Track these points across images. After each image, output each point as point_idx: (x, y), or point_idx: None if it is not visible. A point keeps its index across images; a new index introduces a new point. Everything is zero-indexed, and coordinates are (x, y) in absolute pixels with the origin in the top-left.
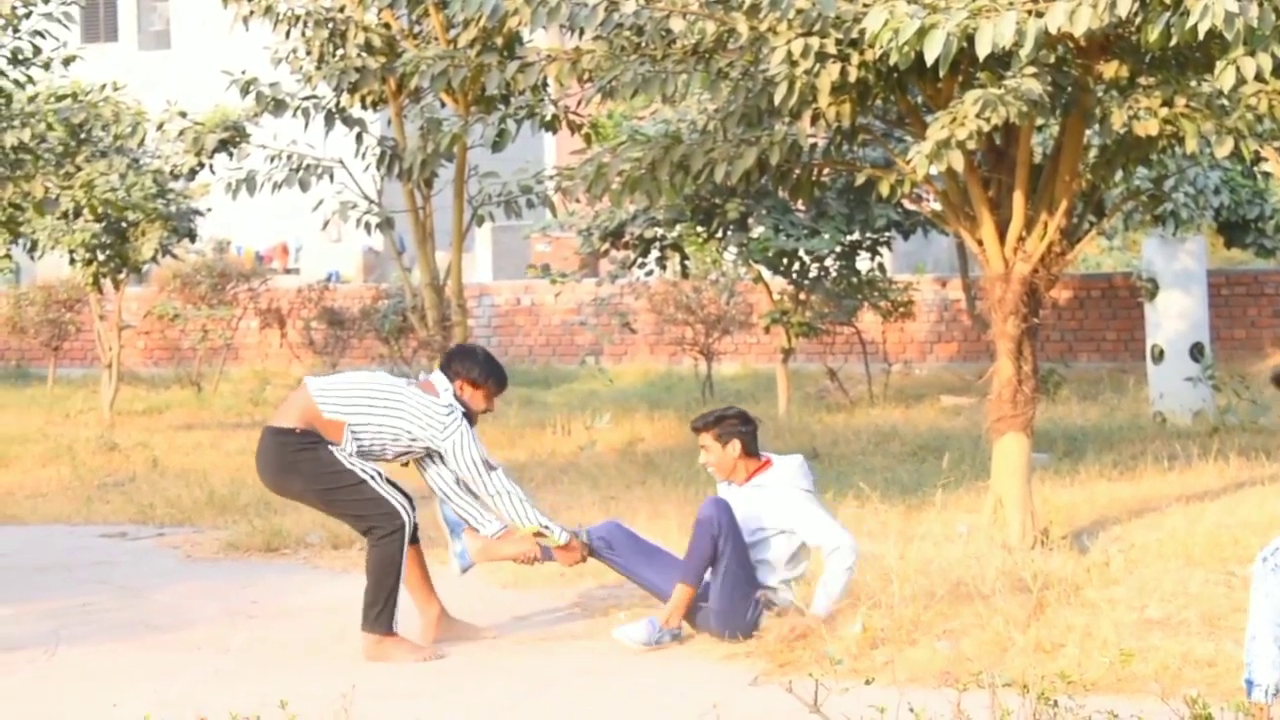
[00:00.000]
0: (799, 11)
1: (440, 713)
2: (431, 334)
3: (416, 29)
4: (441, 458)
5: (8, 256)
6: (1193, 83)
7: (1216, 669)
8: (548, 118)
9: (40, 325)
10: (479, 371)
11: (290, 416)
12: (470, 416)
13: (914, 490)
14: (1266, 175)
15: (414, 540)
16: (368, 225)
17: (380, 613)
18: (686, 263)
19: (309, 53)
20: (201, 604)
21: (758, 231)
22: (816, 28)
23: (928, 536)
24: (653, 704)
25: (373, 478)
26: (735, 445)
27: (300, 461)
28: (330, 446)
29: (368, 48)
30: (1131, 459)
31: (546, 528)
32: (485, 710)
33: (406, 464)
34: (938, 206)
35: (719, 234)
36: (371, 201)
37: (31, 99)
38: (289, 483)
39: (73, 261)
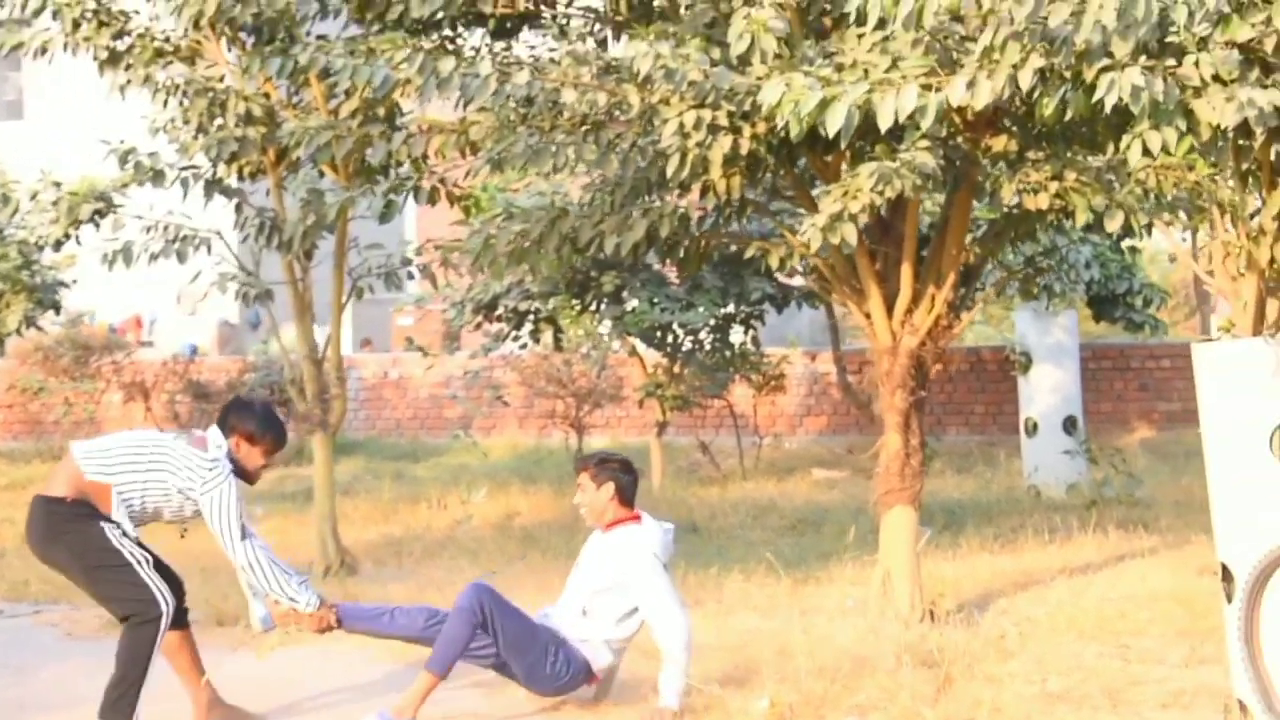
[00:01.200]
0: (691, 84)
1: None
2: (310, 407)
3: (295, 99)
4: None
5: None
6: (1079, 158)
7: None
8: (426, 190)
9: None
10: (255, 425)
11: (59, 485)
12: (247, 476)
13: (797, 564)
14: (1135, 251)
15: (183, 624)
16: (245, 297)
17: (119, 700)
18: (560, 335)
19: (187, 122)
20: (88, 682)
21: (633, 304)
22: (709, 99)
23: (817, 610)
24: None
25: (139, 563)
26: (609, 488)
27: (67, 534)
28: (102, 523)
29: (248, 118)
30: (1011, 531)
31: (293, 599)
32: None
33: (184, 534)
34: (814, 281)
35: (594, 307)
36: (249, 273)
37: None
38: (54, 554)
39: None
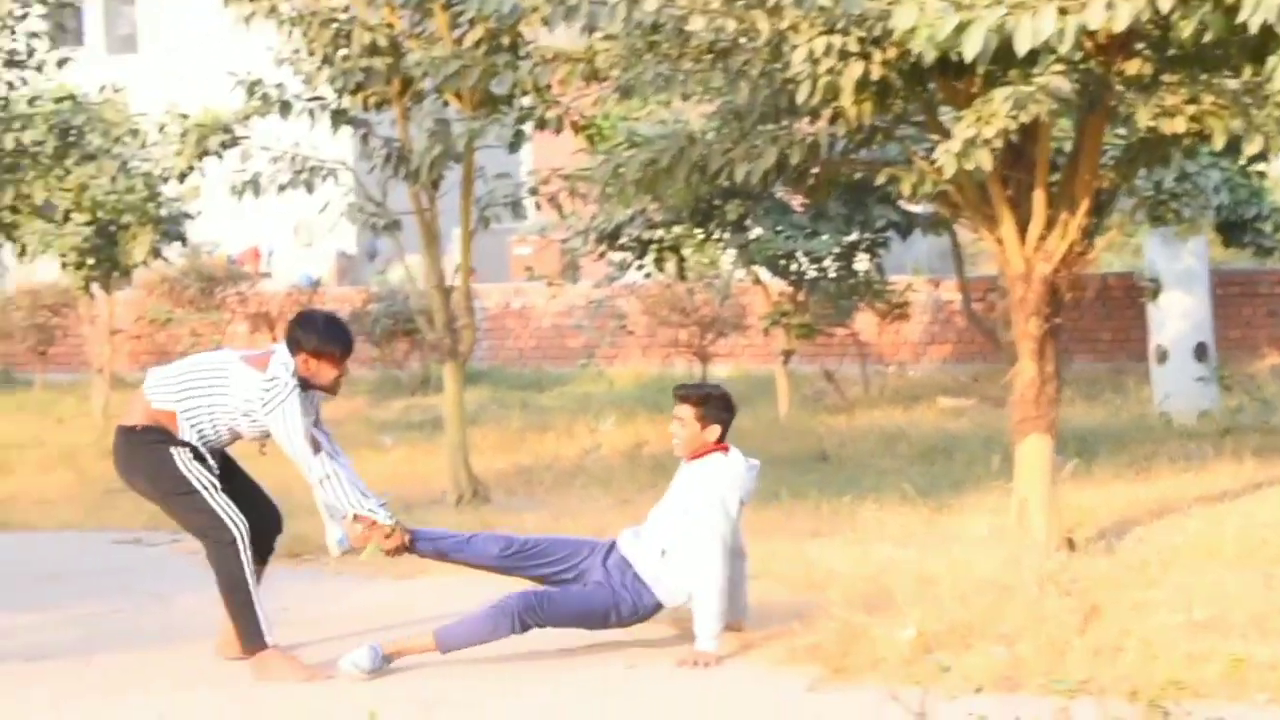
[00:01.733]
0: (821, 9)
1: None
2: (439, 336)
3: (419, 29)
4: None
5: None
6: (1216, 81)
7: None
8: (551, 119)
9: (26, 330)
10: (318, 340)
11: (134, 414)
12: (325, 388)
13: (929, 493)
14: (1263, 176)
15: (262, 559)
16: (373, 227)
17: (245, 629)
18: (684, 264)
19: (312, 53)
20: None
21: (757, 233)
22: (839, 25)
23: (953, 539)
24: (711, 709)
25: (207, 489)
26: (714, 431)
27: (142, 461)
28: (173, 449)
29: (372, 48)
30: (1145, 459)
31: (372, 512)
32: (553, 713)
33: (263, 450)
34: (944, 207)
35: (717, 235)
36: (377, 204)
37: (31, 101)
38: (135, 481)
39: (64, 265)
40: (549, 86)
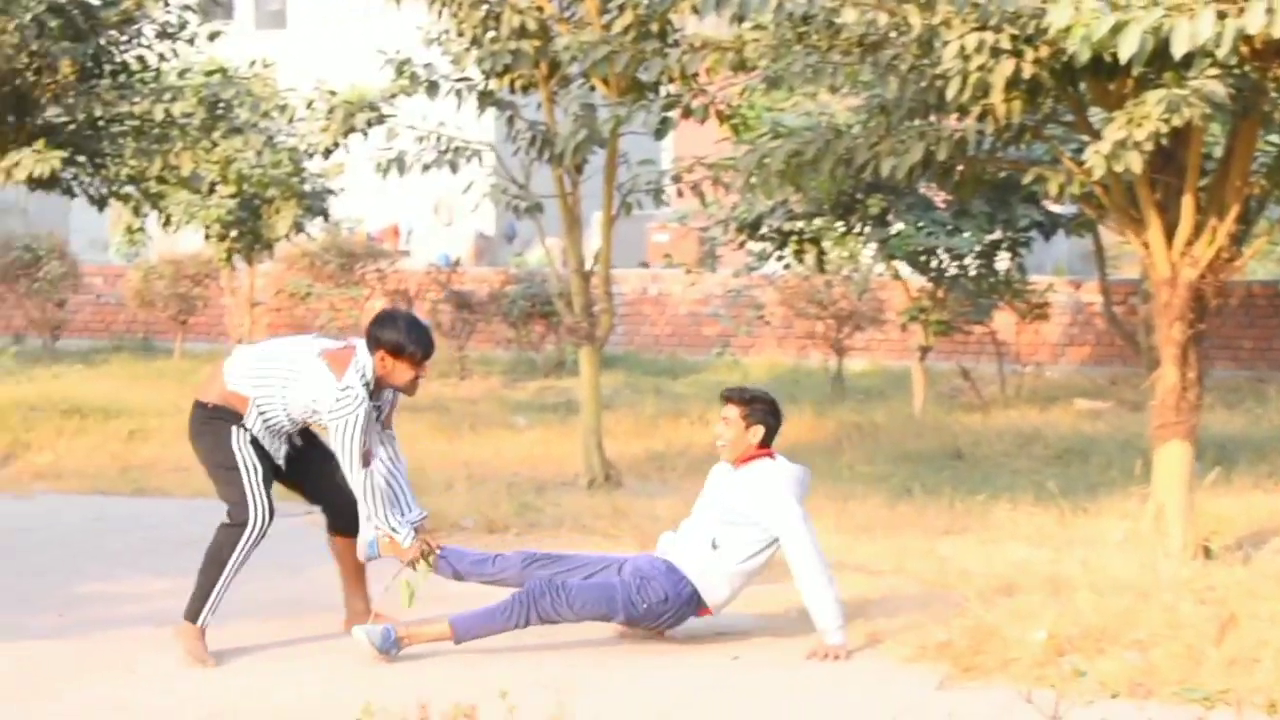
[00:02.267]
0: (975, 5)
1: (648, 702)
2: (578, 320)
3: (568, 13)
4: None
5: (140, 230)
6: None
7: None
8: (695, 107)
9: (168, 299)
10: (398, 339)
11: (207, 390)
12: (402, 389)
13: (1064, 494)
14: None
15: (347, 531)
16: (516, 209)
17: (196, 597)
18: (823, 257)
19: (460, 34)
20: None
21: (898, 228)
22: (992, 22)
23: (1087, 542)
24: (841, 704)
25: (249, 472)
26: (758, 432)
27: (203, 435)
28: (234, 427)
29: (522, 31)
30: None
31: (394, 530)
32: (681, 702)
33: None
34: (1090, 209)
35: (858, 228)
36: (520, 186)
37: (181, 74)
38: (196, 450)
39: (207, 237)
40: (696, 75)
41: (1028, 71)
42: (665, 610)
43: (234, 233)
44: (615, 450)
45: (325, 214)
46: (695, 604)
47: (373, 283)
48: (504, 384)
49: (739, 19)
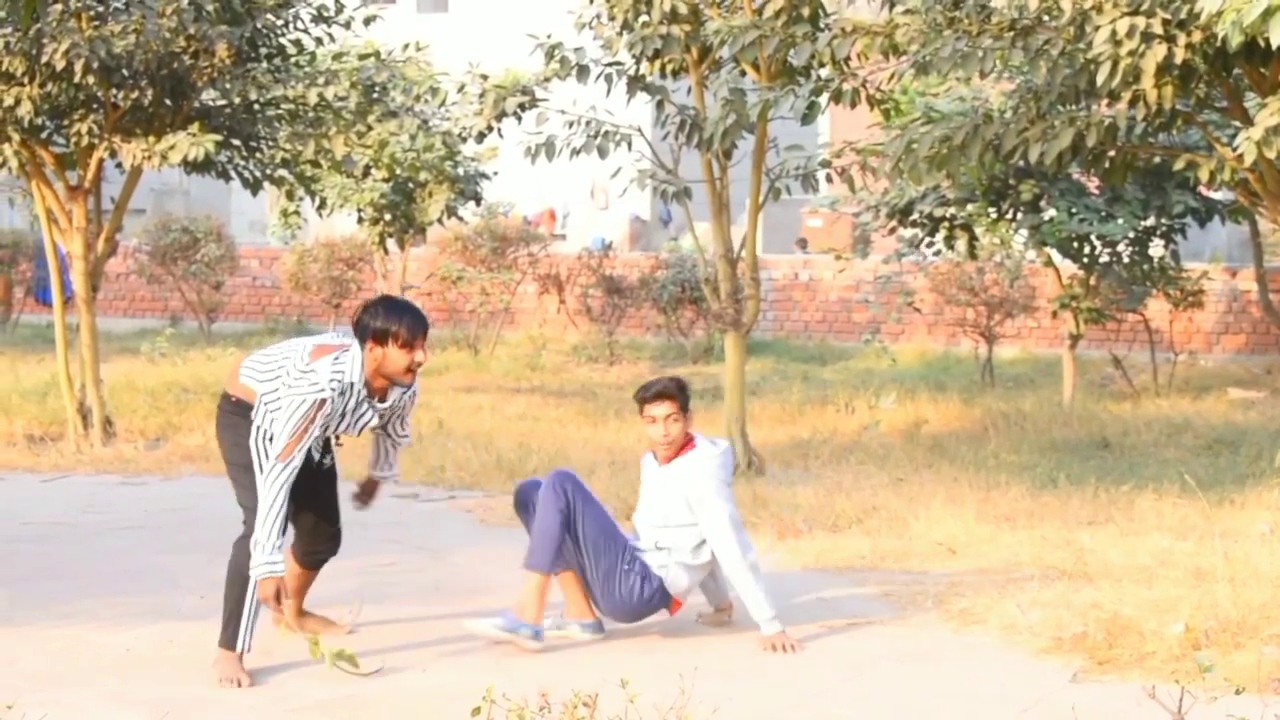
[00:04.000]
0: None
1: (771, 693)
2: (724, 306)
3: None
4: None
5: (296, 213)
6: None
7: None
8: (847, 92)
9: (323, 282)
10: (379, 324)
11: (232, 382)
12: (398, 376)
13: (1211, 485)
14: None
15: (311, 565)
16: (664, 194)
17: (227, 622)
18: (975, 243)
19: (612, 18)
20: (499, 568)
21: (1050, 214)
22: (1144, 7)
23: (1233, 534)
24: (973, 694)
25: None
26: (690, 419)
27: (225, 429)
28: (251, 423)
29: (672, 15)
30: None
31: (252, 554)
32: (811, 692)
33: (339, 443)
34: (1243, 195)
35: (1010, 215)
36: (669, 170)
37: (338, 57)
38: (220, 443)
39: (360, 220)
40: (847, 59)
41: (1180, 57)
42: (644, 594)
43: (387, 216)
44: (759, 437)
45: (478, 198)
46: (664, 596)
47: (524, 267)
48: (652, 370)
49: (890, 3)
